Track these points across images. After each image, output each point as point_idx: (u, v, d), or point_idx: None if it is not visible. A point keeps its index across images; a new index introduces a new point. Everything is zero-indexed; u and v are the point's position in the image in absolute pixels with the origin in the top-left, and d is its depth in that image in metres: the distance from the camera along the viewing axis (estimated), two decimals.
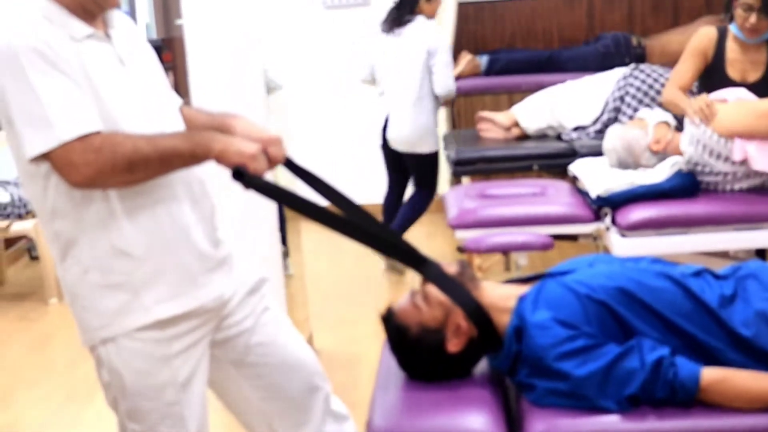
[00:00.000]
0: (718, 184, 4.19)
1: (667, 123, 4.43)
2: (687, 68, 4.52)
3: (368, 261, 5.56)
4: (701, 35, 4.53)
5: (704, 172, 4.16)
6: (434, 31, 5.82)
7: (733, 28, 4.43)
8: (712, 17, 6.36)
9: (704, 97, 4.16)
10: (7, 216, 5.63)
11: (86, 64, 2.18)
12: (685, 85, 4.50)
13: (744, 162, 4.07)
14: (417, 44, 5.75)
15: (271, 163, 2.33)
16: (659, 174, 4.23)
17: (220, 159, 2.22)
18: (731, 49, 4.46)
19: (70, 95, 2.12)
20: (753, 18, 4.30)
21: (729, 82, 4.42)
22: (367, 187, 6.96)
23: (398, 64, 5.81)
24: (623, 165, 4.39)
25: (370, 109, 6.99)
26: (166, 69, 7.51)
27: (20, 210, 5.65)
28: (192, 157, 2.22)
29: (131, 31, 2.40)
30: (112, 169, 2.12)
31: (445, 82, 5.78)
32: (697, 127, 4.14)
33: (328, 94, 7.06)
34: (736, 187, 4.17)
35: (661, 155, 4.34)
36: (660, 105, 4.90)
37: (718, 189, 4.20)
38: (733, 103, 4.18)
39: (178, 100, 2.51)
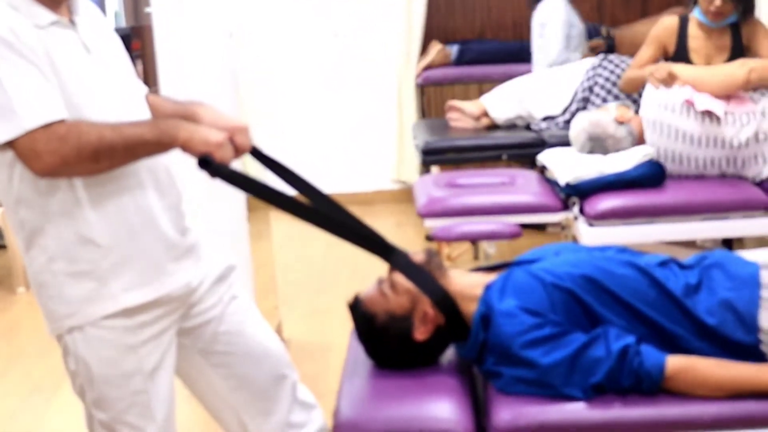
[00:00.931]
0: (682, 161, 4.20)
1: (626, 105, 4.49)
2: (644, 55, 4.58)
3: (338, 250, 5.57)
4: (661, 25, 4.58)
5: (665, 136, 4.17)
6: (548, 7, 5.93)
7: (696, 14, 4.45)
8: (680, 8, 6.37)
9: (666, 66, 4.22)
10: None
11: (51, 52, 2.16)
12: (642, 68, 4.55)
13: (691, 107, 4.11)
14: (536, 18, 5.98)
15: (238, 151, 2.33)
16: (627, 162, 4.25)
17: (186, 147, 2.22)
18: (694, 36, 4.49)
19: (35, 83, 2.10)
20: (717, 1, 4.33)
21: None
22: (334, 176, 6.97)
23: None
24: (593, 141, 4.38)
25: (338, 98, 7.01)
26: (135, 57, 7.50)
27: None
28: (157, 146, 2.21)
29: (96, 19, 2.39)
30: (77, 157, 2.11)
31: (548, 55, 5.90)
32: (657, 89, 4.20)
33: (298, 83, 7.05)
34: (701, 161, 4.18)
35: (628, 130, 4.34)
36: (627, 96, 4.94)
37: (683, 170, 4.21)
38: (692, 67, 4.28)
39: (144, 88, 2.50)
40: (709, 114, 4.10)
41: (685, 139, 4.17)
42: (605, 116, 4.40)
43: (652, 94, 4.25)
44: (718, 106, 4.11)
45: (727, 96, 4.17)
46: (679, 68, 4.24)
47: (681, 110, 4.15)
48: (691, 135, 4.16)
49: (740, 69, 4.20)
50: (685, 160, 4.21)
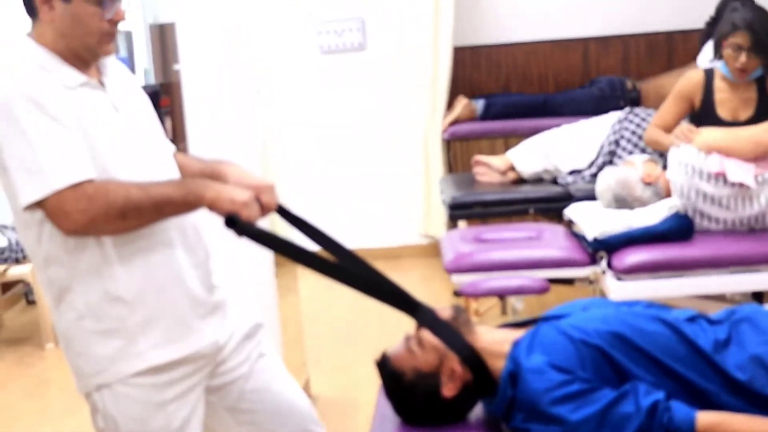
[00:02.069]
0: (711, 220, 4.19)
1: (654, 160, 4.47)
2: (669, 110, 4.55)
3: (365, 305, 5.56)
4: (687, 79, 4.55)
5: (694, 199, 4.16)
6: None
7: (722, 68, 4.44)
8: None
9: (686, 124, 4.22)
10: (5, 260, 5.63)
11: (80, 112, 2.19)
12: (667, 126, 4.52)
13: (723, 178, 4.08)
14: None
15: (264, 210, 2.34)
16: (655, 216, 4.23)
17: (213, 206, 2.23)
18: (720, 90, 4.47)
19: (64, 143, 2.13)
20: (743, 57, 4.32)
21: (720, 123, 4.43)
22: (361, 231, 6.98)
23: None
24: (619, 202, 4.39)
25: (365, 153, 7.03)
26: (164, 114, 7.57)
27: (17, 254, 5.65)
28: (184, 205, 2.23)
29: (125, 78, 2.42)
30: (105, 216, 2.13)
31: None
32: (678, 148, 4.18)
33: (325, 139, 7.09)
34: (729, 220, 4.16)
35: (655, 191, 4.34)
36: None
37: (711, 221, 4.20)
38: (715, 128, 4.23)
39: (171, 147, 2.53)
40: (742, 185, 4.10)
41: (713, 202, 4.16)
42: (632, 175, 4.39)
43: (678, 157, 4.23)
44: (749, 176, 4.07)
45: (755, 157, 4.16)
46: (706, 133, 4.21)
47: (709, 178, 4.13)
48: (719, 199, 4.15)
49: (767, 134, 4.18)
50: (714, 221, 4.20)
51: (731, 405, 2.40)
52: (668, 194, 4.32)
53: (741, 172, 4.07)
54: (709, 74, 4.50)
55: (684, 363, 2.44)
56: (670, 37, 6.96)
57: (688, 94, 4.52)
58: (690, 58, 6.67)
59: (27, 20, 2.30)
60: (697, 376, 2.43)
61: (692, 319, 2.59)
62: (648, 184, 4.36)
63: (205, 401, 2.46)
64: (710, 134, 4.23)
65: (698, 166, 4.15)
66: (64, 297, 2.29)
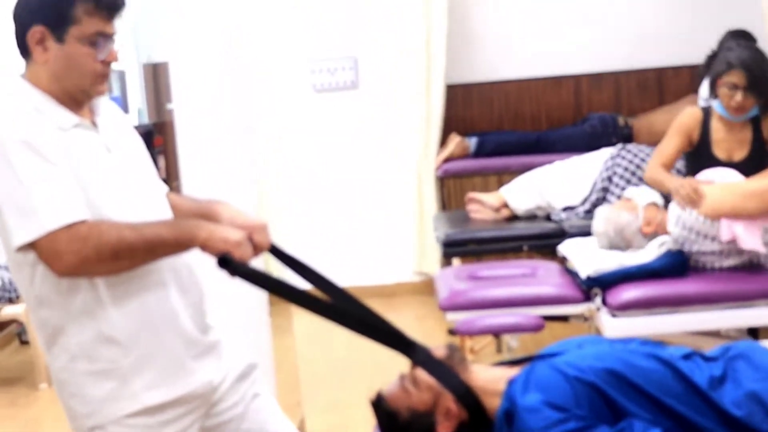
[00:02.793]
0: (706, 263, 4.20)
1: (655, 204, 4.45)
2: (670, 146, 4.52)
3: (360, 344, 5.54)
4: (687, 115, 4.54)
5: (692, 251, 4.18)
6: None
7: (717, 108, 4.44)
8: (696, 96, 6.42)
9: (691, 182, 4.17)
10: None
11: (73, 153, 2.20)
12: (668, 162, 4.51)
13: (732, 242, 4.08)
14: None
15: (257, 249, 2.34)
16: (648, 254, 4.24)
17: (205, 247, 2.23)
18: (716, 129, 4.47)
19: (57, 185, 2.13)
20: (738, 96, 4.32)
21: (715, 162, 4.43)
22: (354, 269, 6.97)
23: None
24: (614, 248, 4.40)
25: (359, 190, 7.03)
26: (158, 153, 7.56)
27: (11, 294, 5.63)
28: (177, 245, 2.23)
29: (117, 118, 2.43)
30: (98, 257, 2.13)
31: None
32: (683, 210, 4.16)
33: (318, 176, 7.09)
34: (725, 264, 4.18)
35: (651, 236, 4.35)
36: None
37: (707, 267, 4.21)
38: (719, 185, 4.20)
39: (164, 187, 2.52)
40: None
41: (714, 254, 4.17)
42: (631, 224, 4.37)
43: (680, 214, 4.21)
44: (758, 242, 4.07)
45: None
46: (712, 196, 4.13)
47: (714, 239, 4.13)
48: (720, 251, 4.15)
49: None
50: (710, 267, 4.20)
51: None
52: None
53: (752, 239, 4.05)
54: (706, 113, 4.50)
55: (680, 400, 2.43)
56: (661, 73, 7.00)
57: (688, 129, 4.50)
58: (681, 93, 6.73)
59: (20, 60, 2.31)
60: (693, 412, 2.42)
61: (688, 357, 2.59)
62: (646, 235, 4.36)
63: None
64: (717, 198, 4.14)
65: (703, 231, 4.13)
66: (57, 338, 2.28)
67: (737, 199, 4.08)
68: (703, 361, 2.58)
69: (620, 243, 4.39)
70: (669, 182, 4.33)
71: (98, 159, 2.26)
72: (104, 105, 2.39)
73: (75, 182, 2.17)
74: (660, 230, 4.35)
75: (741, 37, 5.71)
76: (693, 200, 4.10)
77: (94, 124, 2.32)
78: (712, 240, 4.12)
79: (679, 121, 4.56)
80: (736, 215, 4.06)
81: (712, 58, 5.54)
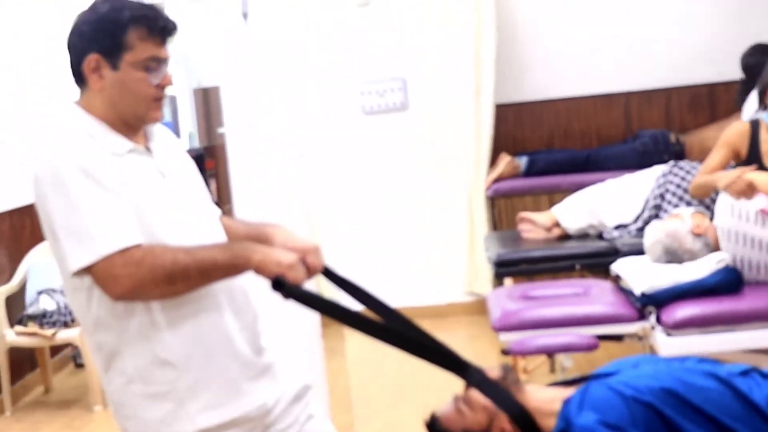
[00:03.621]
0: (759, 269, 4.14)
1: (701, 212, 4.44)
2: (715, 159, 4.51)
3: (412, 364, 5.55)
4: (733, 129, 4.52)
5: (741, 245, 4.12)
6: None
7: (766, 118, 4.42)
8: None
9: (743, 177, 4.15)
10: (53, 324, 5.67)
11: (127, 179, 2.22)
12: (713, 172, 4.50)
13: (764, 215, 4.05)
14: None
15: (310, 272, 2.35)
16: (703, 270, 4.20)
17: (259, 269, 2.24)
18: (766, 141, 4.45)
19: (111, 210, 2.16)
20: None
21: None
22: (406, 290, 6.96)
23: None
24: (669, 255, 4.36)
25: (409, 211, 7.04)
26: (209, 176, 7.64)
27: (66, 318, 5.69)
28: (231, 268, 2.24)
29: (171, 144, 2.45)
30: (153, 281, 2.15)
31: None
32: (736, 200, 4.15)
33: (369, 198, 7.10)
34: None
35: (705, 242, 4.31)
36: (700, 202, 4.90)
37: (760, 278, 4.16)
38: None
39: (217, 211, 2.54)
40: None
41: (761, 247, 4.12)
42: (681, 227, 4.37)
43: (726, 203, 4.21)
44: None
45: None
46: (754, 176, 4.19)
47: (756, 219, 4.10)
48: (766, 244, 4.11)
49: None
50: (763, 268, 4.15)
51: None
52: (717, 246, 4.29)
53: None
54: (754, 125, 4.48)
55: (739, 420, 2.40)
56: (712, 89, 6.94)
57: (735, 143, 4.49)
58: (733, 109, 6.65)
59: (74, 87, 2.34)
60: None
61: (745, 373, 2.56)
62: (698, 235, 4.33)
63: None
64: (759, 176, 4.18)
65: (743, 209, 4.12)
66: (113, 362, 2.30)
67: None
68: (762, 378, 2.55)
69: (673, 246, 4.35)
70: (715, 180, 4.31)
71: (153, 184, 2.29)
72: (157, 130, 2.42)
73: (130, 207, 2.19)
74: (710, 234, 4.32)
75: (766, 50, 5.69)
76: (746, 193, 4.09)
77: (148, 149, 2.34)
78: (755, 222, 4.08)
79: (725, 136, 4.54)
80: None
81: (749, 76, 5.53)
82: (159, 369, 2.28)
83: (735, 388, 2.46)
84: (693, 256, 4.31)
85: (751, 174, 4.15)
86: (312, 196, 6.55)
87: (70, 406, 5.85)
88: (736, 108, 6.24)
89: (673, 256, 4.35)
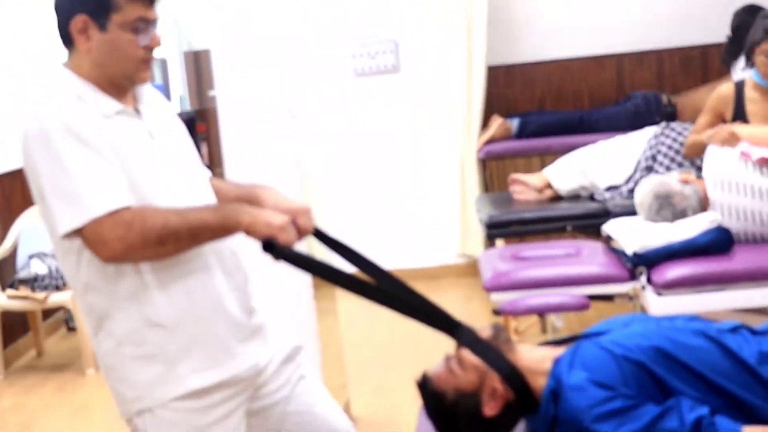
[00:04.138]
0: (748, 231, 4.16)
1: (689, 172, 4.48)
2: (703, 125, 4.58)
3: (404, 326, 5.56)
4: (716, 94, 4.58)
5: (734, 206, 4.14)
6: None
7: (755, 77, 4.44)
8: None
9: (726, 127, 4.20)
10: (45, 287, 5.68)
11: (117, 140, 2.21)
12: None
13: (764, 162, 4.08)
14: None
15: (301, 233, 2.35)
16: (694, 229, 4.20)
17: (250, 231, 2.24)
18: (752, 100, 4.47)
19: (101, 171, 2.15)
20: None
21: None
22: (398, 252, 6.98)
23: None
24: (660, 201, 4.36)
25: (401, 174, 7.03)
26: (200, 139, 7.60)
27: (57, 281, 5.70)
28: (221, 230, 2.24)
29: (161, 105, 2.44)
30: (143, 243, 2.15)
31: None
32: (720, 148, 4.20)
33: (360, 160, 7.10)
34: (765, 215, 4.13)
35: (694, 190, 4.32)
36: (691, 162, 4.91)
37: (749, 238, 4.17)
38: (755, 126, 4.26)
39: (207, 173, 2.54)
40: (766, 162, 4.08)
41: (746, 191, 4.13)
42: (670, 180, 4.41)
43: (712, 155, 4.24)
44: None
45: None
46: (738, 127, 4.23)
47: (739, 163, 4.13)
48: (752, 186, 4.12)
49: None
50: (750, 215, 4.16)
51: None
52: (706, 198, 4.31)
53: (764, 151, 4.10)
54: (739, 86, 4.51)
55: (728, 377, 2.42)
56: (704, 50, 6.93)
57: (719, 108, 4.52)
58: (725, 71, 6.65)
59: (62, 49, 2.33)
60: (742, 390, 2.41)
61: (735, 330, 2.57)
62: (686, 182, 4.37)
63: (246, 425, 2.46)
64: (743, 128, 4.28)
65: (727, 156, 4.14)
66: (103, 324, 2.31)
67: (761, 131, 4.20)
68: (752, 335, 2.56)
69: (665, 193, 4.36)
70: (702, 136, 4.37)
71: (142, 145, 2.28)
72: (147, 92, 2.41)
73: (119, 168, 2.19)
74: (699, 185, 4.34)
75: (756, 11, 5.68)
76: (729, 141, 4.13)
77: (137, 111, 2.33)
78: (739, 166, 4.11)
79: (710, 101, 4.62)
80: (756, 143, 4.12)
81: (737, 36, 5.55)
82: (149, 331, 2.28)
83: (724, 345, 2.47)
84: (684, 199, 4.32)
85: (735, 126, 4.21)
86: (303, 158, 6.53)
87: (62, 369, 5.86)
88: (723, 68, 6.25)
89: (664, 201, 4.35)
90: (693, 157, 4.80)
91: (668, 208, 4.34)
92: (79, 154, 2.14)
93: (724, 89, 4.55)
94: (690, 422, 2.32)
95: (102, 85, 2.27)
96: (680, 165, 5.17)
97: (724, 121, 4.54)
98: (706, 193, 4.31)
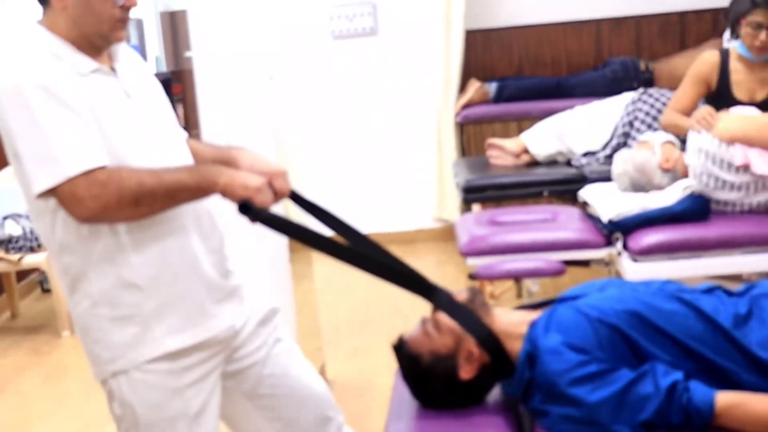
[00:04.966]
0: (727, 203, 4.17)
1: (671, 142, 4.44)
2: (686, 93, 4.51)
3: (380, 290, 5.56)
4: (703, 61, 4.52)
5: (711, 186, 4.14)
6: None
7: (739, 48, 4.42)
8: (719, 40, 6.36)
9: (707, 108, 4.16)
10: (20, 249, 5.64)
11: (92, 99, 2.19)
12: (684, 109, 4.49)
13: (746, 169, 4.05)
14: None
15: (277, 196, 2.34)
16: (670, 197, 4.21)
17: (226, 192, 2.23)
18: (736, 71, 4.45)
19: (76, 130, 2.13)
20: (763, 35, 4.30)
21: (736, 104, 4.41)
22: (374, 216, 6.97)
23: None
24: (636, 188, 4.38)
25: (378, 137, 7.02)
26: (176, 101, 7.55)
27: (32, 243, 5.66)
28: (198, 191, 2.23)
29: (137, 64, 2.42)
30: (118, 203, 2.13)
31: None
32: (699, 134, 4.14)
33: (338, 124, 7.08)
34: (746, 204, 4.14)
35: (672, 175, 4.33)
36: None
37: (728, 209, 4.18)
38: (736, 114, 4.19)
39: (184, 133, 2.52)
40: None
41: (733, 188, 4.14)
42: (651, 160, 4.36)
43: (697, 142, 4.20)
44: None
45: None
46: (727, 121, 4.13)
47: (730, 167, 4.10)
48: (739, 185, 4.12)
49: None
50: (731, 205, 4.18)
51: (752, 384, 2.39)
52: (686, 176, 4.30)
53: (765, 164, 4.04)
54: (724, 55, 4.48)
55: (703, 342, 2.43)
56: (683, 17, 6.93)
57: (704, 76, 4.49)
58: (703, 37, 6.67)
59: (37, 8, 2.30)
60: (717, 355, 2.42)
61: (710, 291, 2.58)
62: (666, 170, 4.34)
63: (222, 387, 2.46)
64: (731, 123, 4.15)
65: (719, 156, 4.11)
66: (78, 285, 2.29)
67: (752, 128, 4.08)
68: (726, 296, 2.57)
69: (641, 180, 4.37)
70: (683, 120, 4.32)
71: (118, 104, 2.25)
72: (123, 51, 2.38)
73: (94, 128, 2.16)
74: (679, 167, 4.33)
75: None
76: (708, 122, 4.09)
77: (113, 70, 2.30)
78: (728, 169, 4.09)
79: (694, 68, 4.53)
80: (749, 143, 4.05)
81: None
82: (125, 292, 2.27)
83: (699, 309, 2.48)
84: (660, 188, 4.33)
85: (726, 120, 4.12)
86: (280, 121, 6.50)
87: (37, 331, 5.85)
88: (701, 35, 6.23)
89: (639, 189, 4.37)
90: (671, 133, 4.77)
91: (643, 191, 4.36)
92: (53, 113, 2.11)
93: (710, 56, 4.52)
94: (664, 387, 2.34)
95: (77, 44, 2.24)
96: (656, 131, 5.16)
97: (709, 88, 4.50)
98: (686, 173, 4.30)
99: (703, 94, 4.51)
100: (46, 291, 6.45)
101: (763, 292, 2.57)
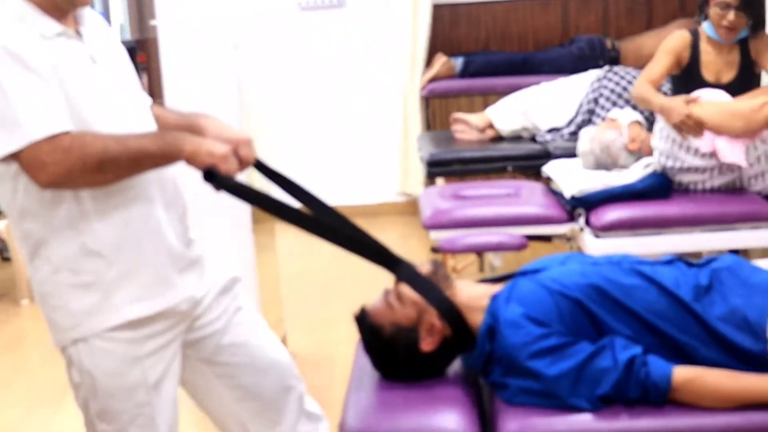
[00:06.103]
0: (690, 183, 4.21)
1: (639, 122, 4.46)
2: (659, 66, 4.51)
3: (342, 262, 5.56)
4: (676, 37, 4.53)
5: (676, 168, 4.18)
6: None
7: (707, 29, 4.44)
8: (685, 20, 6.39)
9: (691, 114, 4.13)
10: None
11: (57, 63, 2.16)
12: (656, 81, 4.50)
13: (713, 155, 4.09)
14: None
15: (242, 164, 2.33)
16: (633, 174, 4.24)
17: (191, 160, 2.21)
18: (705, 51, 4.47)
19: (40, 94, 2.10)
20: (731, 15, 4.31)
21: (704, 84, 4.43)
22: (338, 189, 6.97)
23: None
24: (600, 166, 4.40)
25: (343, 110, 7.01)
26: (141, 70, 7.48)
27: None
28: (162, 158, 2.21)
29: (102, 30, 2.39)
30: (82, 169, 2.11)
31: None
32: (684, 140, 4.15)
33: (303, 95, 7.05)
34: (708, 185, 4.19)
35: (637, 156, 4.36)
36: (633, 107, 4.92)
37: (690, 189, 4.22)
38: (706, 103, 4.20)
39: (149, 100, 2.50)
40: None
41: (697, 171, 4.17)
42: (617, 141, 4.37)
43: (663, 127, 4.22)
44: (740, 156, 4.06)
45: None
46: (701, 112, 4.14)
47: (696, 152, 4.13)
48: (704, 168, 4.15)
49: (761, 112, 4.09)
50: (692, 185, 4.21)
51: (711, 359, 2.41)
52: (650, 152, 4.33)
53: (732, 152, 4.06)
54: (695, 35, 4.50)
55: (664, 317, 2.44)
56: None
57: (678, 50, 4.50)
58: (670, 17, 6.69)
59: None
60: (677, 330, 2.44)
61: (670, 262, 2.60)
62: (632, 151, 4.36)
63: (183, 356, 2.45)
64: (701, 110, 4.16)
65: (686, 143, 4.14)
66: (39, 251, 2.27)
67: (723, 117, 4.09)
68: (687, 267, 2.59)
69: (606, 160, 4.39)
70: (655, 97, 4.32)
71: (83, 69, 2.22)
72: (89, 16, 2.35)
73: (58, 92, 2.14)
74: (644, 148, 4.35)
75: None
76: (694, 131, 4.11)
77: (78, 33, 2.28)
78: (695, 153, 4.12)
79: (669, 43, 4.54)
80: (718, 131, 4.07)
81: None
82: (86, 258, 2.25)
83: (660, 284, 2.49)
84: (624, 169, 4.35)
85: (697, 109, 4.14)
86: (244, 92, 6.47)
87: None
88: (668, 15, 6.24)
89: (604, 168, 4.39)
90: (640, 106, 4.78)
91: (609, 168, 4.37)
92: (16, 76, 2.08)
93: (683, 34, 4.52)
94: (623, 361, 2.36)
95: (42, 6, 2.20)
96: (622, 108, 5.18)
97: (680, 66, 4.51)
98: (651, 153, 4.33)
99: (673, 69, 4.53)
100: (6, 259, 6.40)
101: (725, 266, 2.59)
